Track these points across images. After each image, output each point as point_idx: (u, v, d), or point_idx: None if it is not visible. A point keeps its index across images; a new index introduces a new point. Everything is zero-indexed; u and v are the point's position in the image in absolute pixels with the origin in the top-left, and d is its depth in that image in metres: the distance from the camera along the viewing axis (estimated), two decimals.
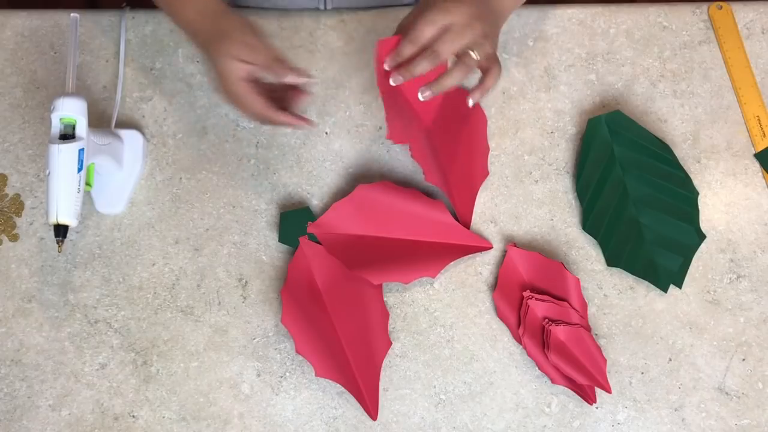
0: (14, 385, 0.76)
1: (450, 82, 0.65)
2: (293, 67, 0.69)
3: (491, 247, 0.80)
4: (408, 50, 0.64)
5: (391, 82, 0.65)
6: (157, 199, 0.82)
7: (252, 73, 0.69)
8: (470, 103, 0.69)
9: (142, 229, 0.81)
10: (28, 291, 0.79)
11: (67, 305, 0.78)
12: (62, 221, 0.70)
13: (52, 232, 0.80)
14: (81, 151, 0.70)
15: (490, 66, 0.68)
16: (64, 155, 0.69)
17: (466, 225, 0.81)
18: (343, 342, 0.75)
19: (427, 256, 0.78)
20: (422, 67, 0.64)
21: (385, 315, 0.77)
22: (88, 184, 0.75)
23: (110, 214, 0.81)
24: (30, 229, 0.80)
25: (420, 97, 0.66)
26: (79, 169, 0.70)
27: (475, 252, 0.79)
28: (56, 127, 0.71)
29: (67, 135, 0.71)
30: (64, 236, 0.72)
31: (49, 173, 0.69)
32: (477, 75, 0.70)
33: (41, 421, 0.75)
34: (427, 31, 0.64)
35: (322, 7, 0.88)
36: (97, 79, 0.86)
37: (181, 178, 0.83)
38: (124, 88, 0.86)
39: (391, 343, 0.77)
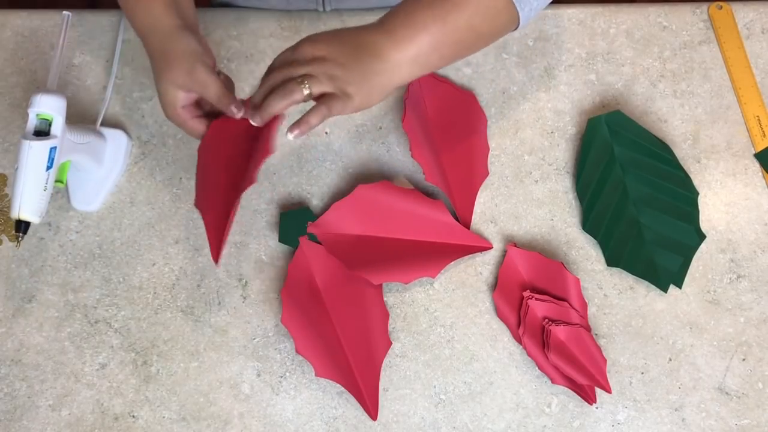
0: (14, 385, 0.76)
1: (269, 107, 0.64)
2: (236, 101, 0.67)
3: (491, 247, 0.80)
4: (265, 82, 0.65)
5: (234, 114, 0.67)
6: (157, 199, 0.82)
7: (191, 99, 0.69)
8: (289, 137, 0.64)
9: (142, 229, 0.81)
10: (28, 291, 0.79)
11: (67, 305, 0.78)
12: (24, 217, 0.70)
13: (52, 232, 0.80)
14: (52, 149, 0.69)
15: (324, 102, 0.63)
16: (34, 152, 0.68)
17: (466, 225, 0.81)
18: (343, 342, 0.75)
19: (427, 256, 0.78)
20: (258, 94, 0.65)
21: (385, 315, 0.77)
22: (60, 181, 0.75)
23: (85, 211, 0.81)
24: (30, 229, 0.80)
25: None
26: (49, 167, 0.69)
27: (475, 252, 0.79)
28: (32, 123, 0.70)
29: (42, 132, 0.70)
30: (25, 232, 0.71)
31: (17, 168, 0.69)
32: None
33: (41, 421, 0.75)
34: (274, 62, 0.65)
35: (321, 9, 0.88)
36: (98, 79, 0.86)
37: (181, 178, 0.83)
38: (124, 87, 0.86)
39: (391, 343, 0.77)
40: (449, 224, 0.79)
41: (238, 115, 0.67)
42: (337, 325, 0.76)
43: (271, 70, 0.66)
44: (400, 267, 0.77)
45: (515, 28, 0.69)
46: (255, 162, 0.68)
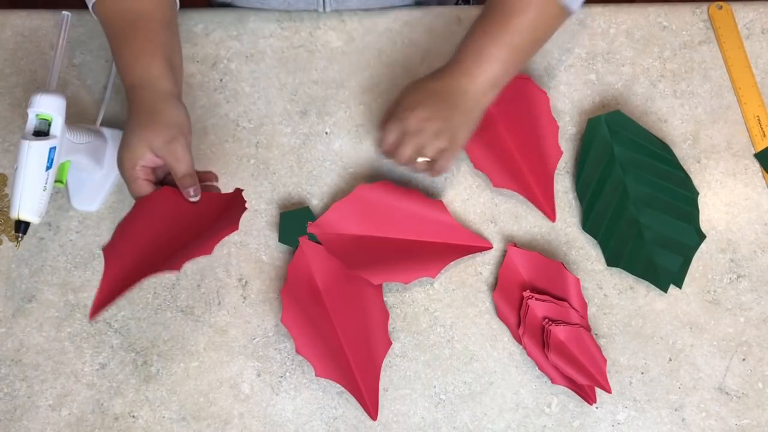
0: (14, 385, 0.76)
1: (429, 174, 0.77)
2: (198, 186, 0.71)
3: (491, 247, 0.80)
4: (385, 153, 0.77)
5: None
6: None
7: (155, 163, 0.71)
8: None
9: None
10: (28, 291, 0.79)
11: (67, 305, 0.78)
12: (23, 218, 0.69)
13: (52, 232, 0.80)
14: (52, 149, 0.69)
15: (439, 161, 0.75)
16: (33, 152, 0.68)
17: (552, 214, 0.81)
18: (343, 342, 0.75)
19: (427, 256, 0.78)
20: (402, 168, 0.78)
21: (385, 315, 0.77)
22: (60, 181, 0.75)
23: (85, 211, 0.81)
24: (30, 229, 0.80)
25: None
26: (48, 168, 0.69)
27: (475, 252, 0.79)
28: (31, 123, 0.70)
29: (42, 132, 0.70)
30: (25, 232, 0.71)
31: (17, 168, 0.69)
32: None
33: (41, 421, 0.75)
34: (389, 138, 0.75)
35: (321, 10, 0.88)
36: (98, 79, 0.86)
37: None
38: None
39: (391, 343, 0.76)
40: (449, 224, 0.79)
41: (193, 199, 0.71)
42: (338, 324, 0.76)
43: (388, 141, 0.75)
44: (400, 267, 0.77)
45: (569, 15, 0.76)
46: (218, 236, 0.71)
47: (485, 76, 0.73)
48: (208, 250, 0.70)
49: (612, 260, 0.79)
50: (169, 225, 0.71)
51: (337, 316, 0.76)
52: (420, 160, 0.74)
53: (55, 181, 0.73)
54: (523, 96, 0.83)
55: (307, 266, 0.78)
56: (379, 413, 0.75)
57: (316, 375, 0.74)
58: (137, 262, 0.69)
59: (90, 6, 0.73)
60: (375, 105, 0.85)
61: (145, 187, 0.70)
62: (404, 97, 0.75)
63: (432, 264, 0.77)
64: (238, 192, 0.74)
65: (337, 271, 0.77)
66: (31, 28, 0.88)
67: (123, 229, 0.70)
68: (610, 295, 0.79)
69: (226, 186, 0.82)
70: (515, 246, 0.79)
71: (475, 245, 0.79)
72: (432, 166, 0.75)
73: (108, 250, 0.69)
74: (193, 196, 0.71)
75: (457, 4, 1.00)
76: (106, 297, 0.67)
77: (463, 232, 0.79)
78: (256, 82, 0.86)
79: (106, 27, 0.74)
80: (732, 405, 0.76)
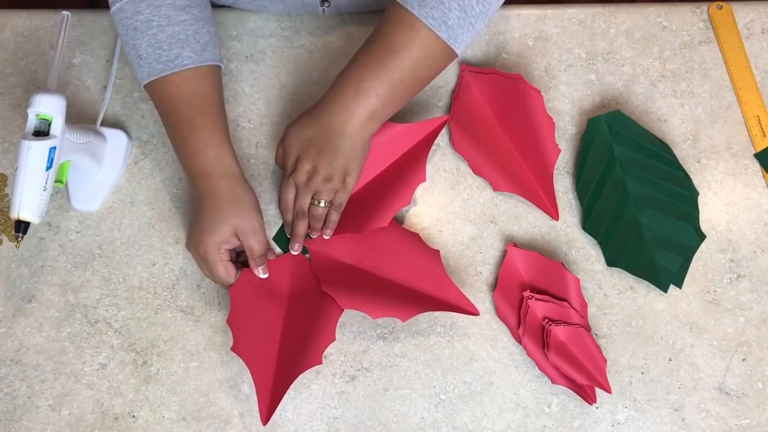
0: (14, 385, 0.76)
1: (317, 226, 0.77)
2: (266, 265, 0.76)
3: (478, 314, 0.75)
4: (288, 216, 0.78)
5: (293, 252, 0.78)
6: (157, 199, 0.82)
7: (236, 245, 0.75)
8: (326, 237, 0.78)
9: (142, 229, 0.81)
10: (28, 291, 0.79)
11: (67, 305, 0.78)
12: (23, 218, 0.69)
13: (52, 232, 0.80)
14: (52, 149, 0.69)
15: (334, 204, 0.76)
16: (33, 152, 0.68)
17: (555, 212, 0.80)
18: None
19: (407, 299, 0.75)
20: (300, 228, 0.77)
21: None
22: (60, 181, 0.75)
23: (85, 211, 0.81)
24: (30, 229, 0.80)
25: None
26: (48, 168, 0.69)
27: (458, 312, 0.75)
28: (31, 123, 0.70)
29: (42, 132, 0.70)
30: (25, 232, 0.71)
31: (17, 168, 0.69)
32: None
33: (41, 421, 0.75)
34: (288, 196, 0.77)
35: (320, 14, 0.87)
36: (98, 79, 0.86)
37: (181, 178, 0.83)
38: (124, 87, 0.86)
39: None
40: (439, 276, 0.76)
41: (262, 276, 0.76)
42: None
43: (287, 199, 0.76)
44: (375, 300, 0.75)
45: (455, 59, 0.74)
46: (332, 319, 0.75)
47: (363, 111, 0.72)
48: (331, 337, 0.75)
49: (612, 260, 0.79)
50: (269, 298, 0.76)
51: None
52: (321, 205, 0.75)
53: (55, 181, 0.73)
54: (517, 96, 0.83)
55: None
56: (379, 413, 0.75)
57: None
58: (277, 355, 0.74)
59: (141, 84, 0.74)
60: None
61: (231, 268, 0.74)
62: (287, 146, 0.76)
63: (407, 308, 0.74)
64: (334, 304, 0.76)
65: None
66: (31, 28, 0.88)
67: (238, 323, 0.74)
68: (610, 295, 0.79)
69: None
70: (515, 246, 0.79)
71: (460, 306, 0.75)
72: (330, 207, 0.76)
73: (240, 349, 0.74)
74: (263, 273, 0.76)
75: None
76: (272, 400, 0.72)
77: (451, 289, 0.76)
78: (256, 82, 0.86)
79: (167, 109, 0.75)
80: (732, 405, 0.76)
